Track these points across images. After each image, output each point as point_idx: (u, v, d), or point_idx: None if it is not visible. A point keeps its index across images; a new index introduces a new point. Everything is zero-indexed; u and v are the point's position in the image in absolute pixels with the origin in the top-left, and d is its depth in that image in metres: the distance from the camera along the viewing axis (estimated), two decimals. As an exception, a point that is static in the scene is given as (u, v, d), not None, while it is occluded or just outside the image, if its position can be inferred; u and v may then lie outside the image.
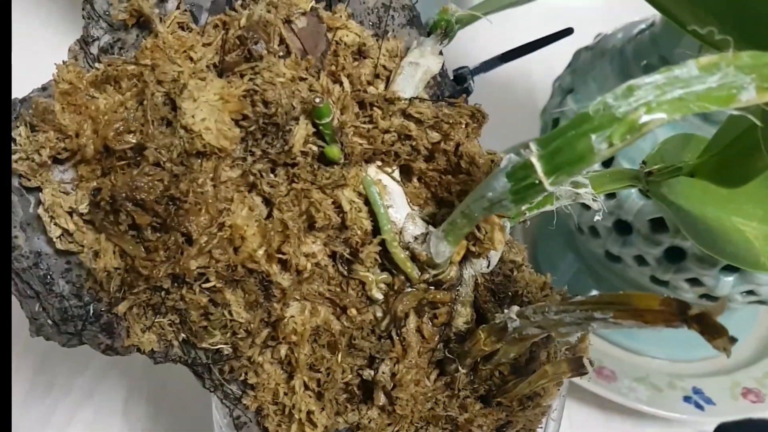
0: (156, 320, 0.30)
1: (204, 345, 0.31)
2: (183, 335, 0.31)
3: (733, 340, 0.24)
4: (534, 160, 0.24)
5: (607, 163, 0.54)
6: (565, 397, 0.37)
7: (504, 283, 0.33)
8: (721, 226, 0.40)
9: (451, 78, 0.41)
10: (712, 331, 0.24)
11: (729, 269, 0.52)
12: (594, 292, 0.66)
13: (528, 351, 0.34)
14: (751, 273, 0.52)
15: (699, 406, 0.58)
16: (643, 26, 0.58)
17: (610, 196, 0.54)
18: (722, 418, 0.58)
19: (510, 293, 0.33)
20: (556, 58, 0.65)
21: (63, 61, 0.30)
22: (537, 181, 0.24)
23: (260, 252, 0.28)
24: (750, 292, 0.54)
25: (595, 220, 0.35)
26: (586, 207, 0.56)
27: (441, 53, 0.35)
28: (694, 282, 0.54)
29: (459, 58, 0.43)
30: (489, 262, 0.32)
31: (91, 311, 0.30)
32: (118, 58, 0.29)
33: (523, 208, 0.33)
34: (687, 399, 0.59)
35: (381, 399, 0.31)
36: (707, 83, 0.22)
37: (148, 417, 0.56)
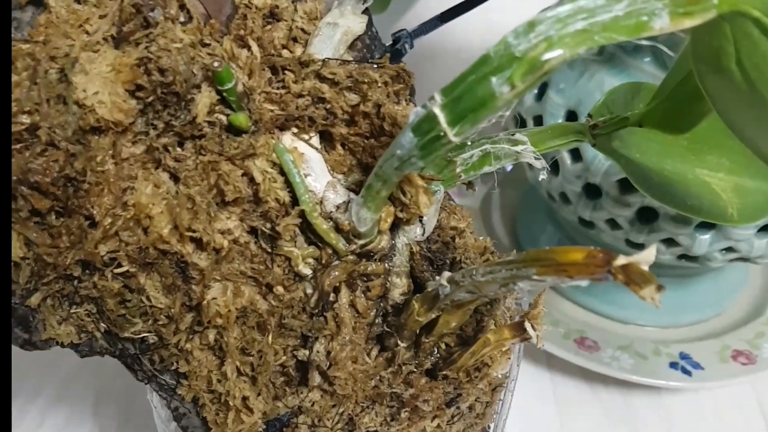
0: (72, 311, 0.29)
1: (127, 334, 0.29)
2: (104, 325, 0.29)
3: (660, 288, 0.22)
4: (437, 110, 0.22)
5: (572, 120, 0.52)
6: (520, 366, 0.35)
7: (442, 250, 0.31)
8: (681, 179, 0.38)
9: (391, 41, 0.39)
10: (638, 280, 0.22)
11: (704, 227, 0.50)
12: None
13: (474, 320, 0.32)
14: (728, 229, 0.50)
15: (686, 372, 0.56)
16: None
17: (577, 158, 0.52)
18: (711, 383, 0.56)
19: (448, 260, 0.31)
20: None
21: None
22: (441, 133, 0.22)
23: (166, 231, 0.27)
24: (729, 249, 0.52)
25: (540, 179, 0.33)
26: (554, 172, 0.55)
27: (367, 12, 0.33)
28: (670, 242, 0.52)
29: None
30: (424, 229, 0.31)
31: (3, 305, 0.29)
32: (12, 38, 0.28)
33: (458, 170, 0.31)
34: (673, 365, 0.57)
35: (316, 379, 0.30)
36: (613, 11, 0.21)
37: (119, 417, 0.55)
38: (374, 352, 0.31)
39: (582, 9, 0.21)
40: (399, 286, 0.31)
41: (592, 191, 0.52)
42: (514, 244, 0.70)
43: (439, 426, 0.32)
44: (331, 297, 0.30)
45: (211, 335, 0.30)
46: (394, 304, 0.31)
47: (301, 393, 0.31)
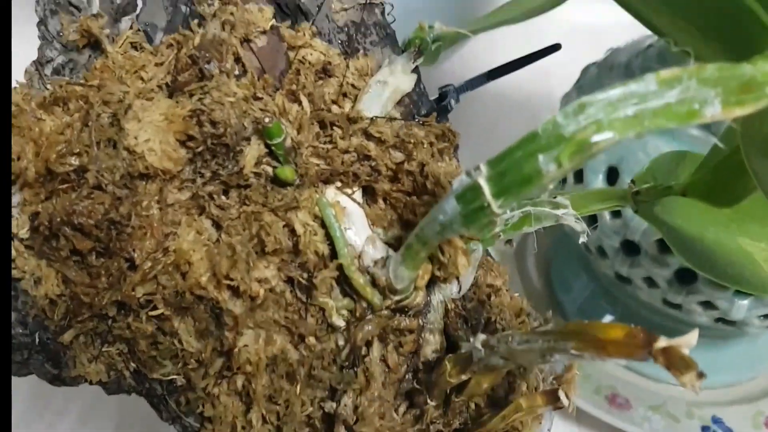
0: (103, 349, 0.29)
1: (155, 375, 0.30)
2: (133, 365, 0.30)
3: (701, 375, 0.22)
4: (482, 181, 0.22)
5: (612, 180, 0.52)
6: (551, 430, 0.35)
7: (477, 308, 0.31)
8: (722, 248, 0.37)
9: (437, 96, 0.39)
10: (679, 365, 0.22)
11: (743, 292, 0.49)
12: (608, 317, 0.63)
13: (506, 382, 0.32)
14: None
15: (718, 437, 0.55)
16: (651, 40, 0.55)
17: (616, 215, 0.52)
18: (743, 449, 0.55)
19: (483, 320, 0.31)
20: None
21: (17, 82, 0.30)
22: (486, 204, 0.22)
23: (204, 278, 0.27)
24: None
25: (580, 242, 0.33)
26: (592, 225, 0.54)
27: (416, 70, 0.34)
28: (708, 305, 0.51)
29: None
30: (460, 286, 0.31)
31: (37, 340, 0.29)
32: (65, 79, 0.28)
33: (497, 230, 0.31)
34: (705, 429, 0.56)
35: (342, 433, 0.30)
36: (665, 98, 0.21)
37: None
38: (402, 409, 0.31)
39: (633, 94, 0.21)
40: (432, 343, 0.30)
41: (631, 248, 0.52)
42: (548, 290, 0.69)
43: (463, 487, 0.31)
44: (363, 351, 0.30)
45: (240, 381, 0.30)
46: (426, 361, 0.31)
47: (326, 444, 0.31)
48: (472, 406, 0.32)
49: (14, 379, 0.56)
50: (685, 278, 0.51)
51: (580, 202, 0.33)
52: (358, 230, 0.29)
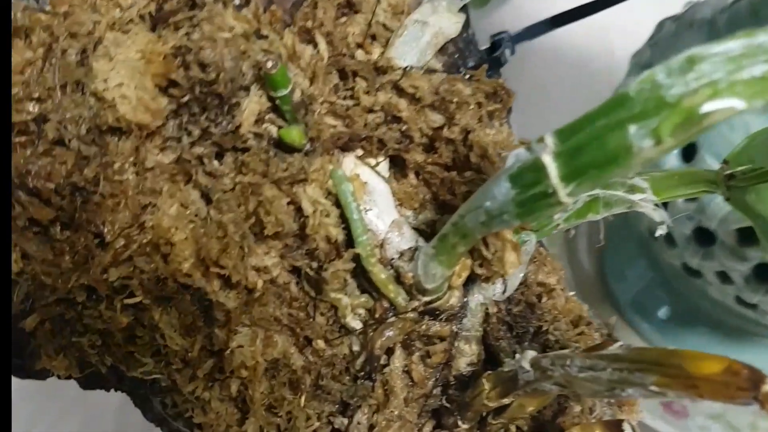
0: (73, 339, 0.24)
1: (135, 374, 0.25)
2: (110, 359, 0.25)
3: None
4: (547, 159, 0.16)
5: (689, 157, 0.45)
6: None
7: (525, 314, 0.25)
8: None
9: (488, 45, 0.33)
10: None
11: (835, 296, 0.43)
12: (665, 308, 0.57)
13: (555, 402, 0.26)
14: None
15: (786, 455, 0.49)
16: (739, -6, 0.48)
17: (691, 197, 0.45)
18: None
19: (531, 328, 0.25)
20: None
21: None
22: (550, 190, 0.17)
23: (188, 264, 0.21)
24: None
25: (657, 234, 0.27)
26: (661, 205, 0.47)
27: (465, 10, 0.27)
28: (790, 308, 0.44)
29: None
30: (506, 287, 0.25)
31: (-4, 324, 0.24)
32: (27, 4, 0.23)
33: (556, 217, 0.25)
34: (772, 445, 0.50)
35: (353, 457, 0.24)
36: (811, 54, 0.14)
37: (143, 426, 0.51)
38: (427, 429, 0.25)
39: (762, 48, 0.14)
40: (467, 354, 0.25)
41: (704, 237, 0.45)
42: (600, 276, 0.63)
43: None
44: (382, 359, 0.24)
45: (234, 386, 0.25)
46: (459, 375, 0.25)
47: (334, 465, 0.26)
48: (513, 429, 0.26)
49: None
50: (765, 275, 0.44)
51: (660, 185, 0.27)
52: (381, 212, 0.23)
